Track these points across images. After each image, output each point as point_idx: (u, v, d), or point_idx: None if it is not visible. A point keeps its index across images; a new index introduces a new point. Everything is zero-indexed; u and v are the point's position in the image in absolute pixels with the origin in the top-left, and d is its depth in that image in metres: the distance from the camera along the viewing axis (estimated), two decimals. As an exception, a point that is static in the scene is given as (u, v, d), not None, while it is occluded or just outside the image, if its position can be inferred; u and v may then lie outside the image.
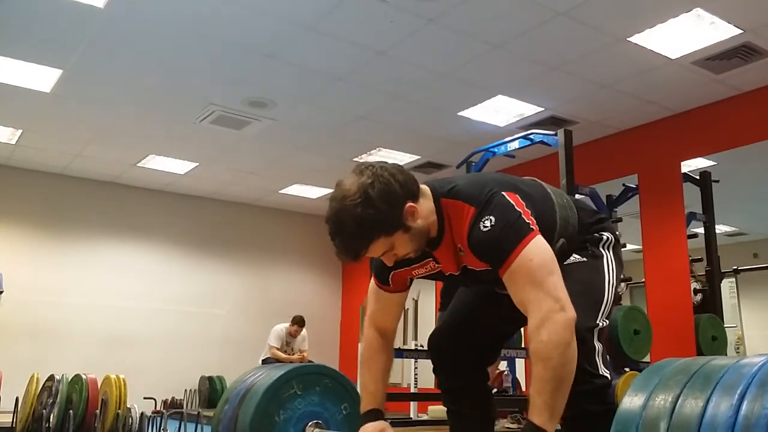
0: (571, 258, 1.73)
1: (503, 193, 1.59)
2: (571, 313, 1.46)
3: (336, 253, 1.60)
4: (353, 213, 1.52)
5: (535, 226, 1.55)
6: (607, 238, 1.80)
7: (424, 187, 1.68)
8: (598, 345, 1.63)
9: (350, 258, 1.59)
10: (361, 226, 1.53)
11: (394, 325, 1.88)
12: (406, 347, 7.05)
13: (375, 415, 1.79)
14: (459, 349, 1.88)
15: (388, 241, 1.59)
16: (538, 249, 1.52)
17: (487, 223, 1.55)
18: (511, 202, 1.58)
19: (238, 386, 1.98)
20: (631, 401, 1.05)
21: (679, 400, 0.99)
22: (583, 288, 1.57)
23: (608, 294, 1.71)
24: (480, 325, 1.89)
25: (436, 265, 1.75)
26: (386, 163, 1.64)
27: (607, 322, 1.69)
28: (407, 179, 1.61)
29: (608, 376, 1.63)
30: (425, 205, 1.64)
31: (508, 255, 1.52)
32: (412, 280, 1.84)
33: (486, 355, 1.95)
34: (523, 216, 1.55)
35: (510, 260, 1.52)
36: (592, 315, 1.63)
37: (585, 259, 1.74)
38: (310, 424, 1.83)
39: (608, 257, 1.78)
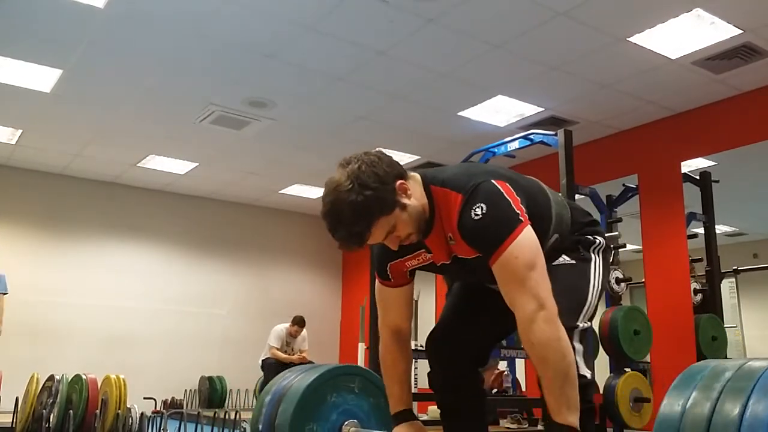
0: (560, 259, 1.75)
1: (492, 180, 1.61)
2: (552, 308, 1.50)
3: (339, 245, 1.61)
4: (348, 199, 1.54)
5: (524, 216, 1.57)
6: (599, 242, 1.83)
7: (414, 174, 1.70)
8: (578, 345, 1.66)
9: (355, 244, 1.60)
10: (360, 208, 1.55)
11: (407, 323, 1.88)
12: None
13: (406, 415, 1.82)
14: (450, 349, 1.88)
15: (388, 222, 1.60)
16: (524, 245, 1.54)
17: (479, 211, 1.56)
18: (500, 189, 1.59)
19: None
20: (671, 405, 1.06)
21: (718, 403, 1.00)
22: (567, 290, 1.60)
23: (591, 297, 1.74)
24: (470, 326, 1.90)
25: (428, 256, 1.76)
26: (369, 151, 1.66)
27: (589, 323, 1.73)
28: (392, 161, 1.64)
29: (588, 375, 1.66)
30: (416, 188, 1.66)
31: (497, 247, 1.54)
32: (413, 272, 1.84)
33: (478, 355, 1.94)
34: (512, 205, 1.57)
35: (498, 252, 1.54)
36: (573, 316, 1.66)
37: (574, 261, 1.77)
38: (348, 422, 1.85)
39: (597, 261, 1.80)
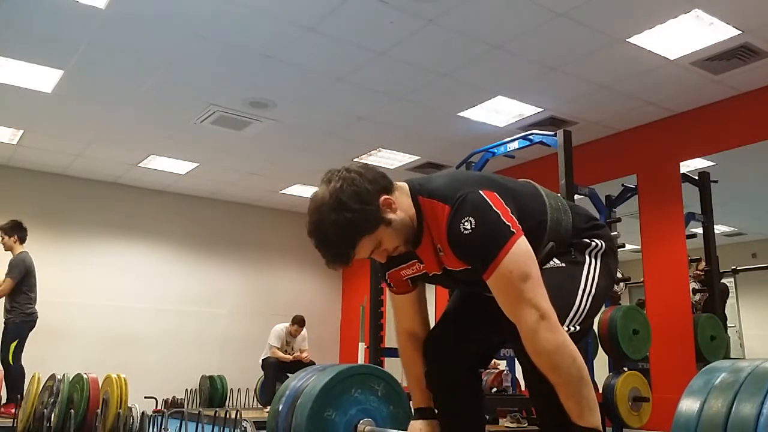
0: (550, 263, 1.70)
1: (480, 191, 1.58)
2: (553, 316, 1.50)
3: (326, 263, 1.62)
4: (331, 220, 1.54)
5: (516, 227, 1.55)
6: (597, 244, 1.76)
7: (402, 184, 1.69)
8: None
9: (341, 264, 1.60)
10: (341, 230, 1.55)
11: (420, 326, 1.89)
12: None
13: (425, 413, 1.84)
14: (447, 351, 1.87)
15: (373, 239, 1.60)
16: (517, 257, 1.52)
17: (468, 225, 1.54)
18: (488, 201, 1.56)
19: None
20: (688, 406, 1.09)
21: (735, 403, 1.02)
22: (552, 293, 1.55)
23: (581, 301, 1.67)
24: (469, 329, 1.88)
25: (421, 266, 1.75)
26: (351, 165, 1.64)
27: (579, 328, 1.65)
28: (376, 175, 1.63)
29: None
30: (403, 200, 1.65)
31: (490, 263, 1.53)
32: (415, 281, 1.84)
33: (476, 358, 1.93)
34: (502, 217, 1.55)
35: (491, 268, 1.53)
36: (558, 320, 1.60)
37: (563, 264, 1.71)
38: (364, 420, 1.88)
39: (592, 264, 1.73)
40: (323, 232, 1.56)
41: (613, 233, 4.82)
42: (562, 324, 1.59)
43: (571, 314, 1.64)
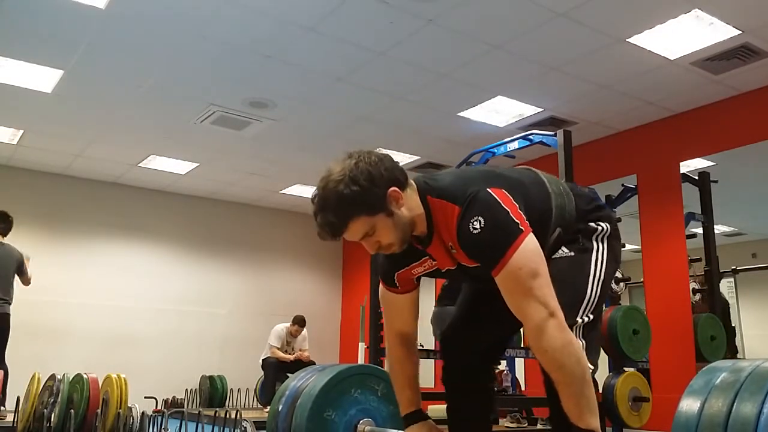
0: (559, 252, 1.72)
1: (488, 189, 1.59)
2: (559, 315, 1.50)
3: (317, 231, 1.62)
4: (336, 190, 1.56)
5: (524, 225, 1.55)
6: (602, 228, 1.78)
7: (411, 182, 1.69)
8: (581, 341, 1.66)
9: (330, 235, 1.60)
10: (343, 201, 1.56)
11: (412, 326, 1.88)
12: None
13: (418, 416, 1.83)
14: (461, 347, 1.90)
15: (370, 223, 1.59)
16: (526, 254, 1.53)
17: (477, 225, 1.55)
18: (497, 199, 1.57)
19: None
20: (688, 405, 1.10)
21: (735, 403, 1.03)
22: (564, 285, 1.57)
23: (592, 290, 1.70)
24: (480, 323, 1.90)
25: (434, 263, 1.76)
26: (373, 150, 1.66)
27: (592, 317, 1.69)
28: (395, 167, 1.64)
29: (591, 367, 1.65)
30: (412, 198, 1.65)
31: (499, 260, 1.53)
32: (419, 278, 1.84)
33: (488, 352, 1.95)
34: (511, 214, 1.56)
35: (500, 265, 1.54)
36: (572, 312, 1.64)
37: (572, 253, 1.73)
38: (364, 420, 1.88)
39: (599, 250, 1.76)
40: (325, 199, 1.58)
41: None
42: (576, 316, 1.63)
43: (584, 304, 1.68)
